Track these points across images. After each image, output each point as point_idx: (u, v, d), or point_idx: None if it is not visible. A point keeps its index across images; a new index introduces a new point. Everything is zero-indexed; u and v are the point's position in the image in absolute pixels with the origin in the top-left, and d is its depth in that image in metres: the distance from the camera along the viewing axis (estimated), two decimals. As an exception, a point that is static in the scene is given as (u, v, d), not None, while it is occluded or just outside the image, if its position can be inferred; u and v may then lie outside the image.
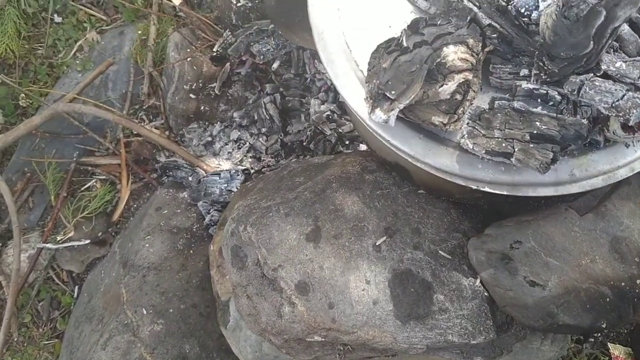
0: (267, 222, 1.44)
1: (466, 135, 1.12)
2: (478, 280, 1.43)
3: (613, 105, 1.06)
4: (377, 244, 1.44)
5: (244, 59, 2.23)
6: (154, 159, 2.31)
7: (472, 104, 1.18)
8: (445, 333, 1.38)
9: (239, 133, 2.24)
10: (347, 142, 2.13)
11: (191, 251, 1.99)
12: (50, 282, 2.37)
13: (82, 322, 2.03)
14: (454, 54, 1.11)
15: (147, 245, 1.99)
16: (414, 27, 1.17)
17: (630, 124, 1.08)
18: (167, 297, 1.86)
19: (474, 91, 1.17)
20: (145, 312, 1.81)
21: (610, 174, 1.21)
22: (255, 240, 1.42)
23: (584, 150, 1.19)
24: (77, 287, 2.34)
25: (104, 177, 2.36)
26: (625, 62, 1.13)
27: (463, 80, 1.13)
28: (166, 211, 2.09)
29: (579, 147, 1.17)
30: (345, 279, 1.40)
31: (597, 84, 1.08)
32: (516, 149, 1.10)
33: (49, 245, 2.23)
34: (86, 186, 2.36)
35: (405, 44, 1.15)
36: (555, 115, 1.12)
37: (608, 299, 1.34)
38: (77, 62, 2.44)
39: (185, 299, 1.87)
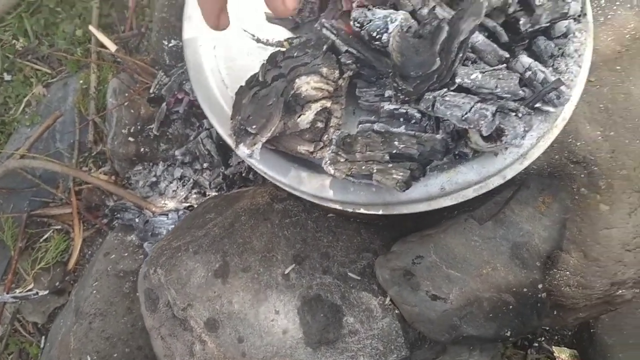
0: (175, 263, 1.46)
1: (328, 162, 1.14)
2: (388, 299, 1.43)
3: (463, 118, 1.07)
4: (285, 272, 1.45)
5: (179, 97, 2.27)
6: (104, 204, 2.35)
7: (339, 129, 1.20)
8: (356, 355, 1.38)
9: (182, 170, 2.27)
10: (286, 169, 2.15)
11: (137, 294, 2.01)
12: (18, 335, 2.41)
13: (43, 372, 2.07)
14: (306, 84, 1.13)
15: (94, 291, 2.02)
16: (272, 61, 1.20)
17: (484, 134, 1.08)
18: (112, 342, 1.88)
19: (336, 117, 1.19)
20: (89, 358, 1.84)
21: (482, 183, 1.21)
22: (164, 281, 1.44)
23: (454, 163, 1.19)
24: (43, 337, 2.38)
25: (59, 226, 2.41)
26: (483, 72, 1.14)
27: (321, 108, 1.15)
28: (114, 256, 2.13)
29: (442, 161, 1.17)
30: (255, 311, 1.41)
31: (447, 99, 1.10)
32: (375, 170, 1.11)
33: (9, 299, 2.27)
34: (44, 237, 2.40)
35: (262, 78, 1.17)
36: (413, 133, 1.13)
37: (511, 306, 1.34)
38: (26, 117, 2.51)
39: (130, 342, 1.89)
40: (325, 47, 1.19)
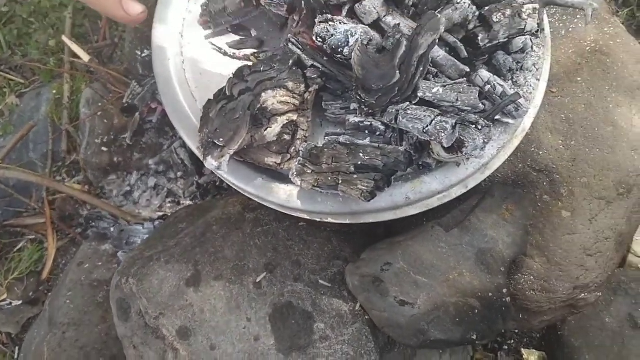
0: (147, 272, 1.47)
1: (295, 173, 1.17)
2: (358, 305, 1.46)
3: (424, 130, 1.11)
4: (257, 280, 1.48)
5: (153, 106, 2.28)
6: (78, 213, 2.35)
7: (306, 141, 1.23)
8: (327, 361, 1.41)
9: (156, 180, 2.28)
10: (260, 177, 2.17)
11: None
12: (-8, 346, 2.40)
13: (16, 384, 2.06)
14: (272, 98, 1.16)
15: (68, 301, 2.02)
16: (239, 75, 1.22)
17: (445, 146, 1.12)
18: (86, 352, 1.89)
19: (303, 130, 1.22)
20: (63, 368, 1.84)
21: (445, 193, 1.25)
22: (136, 291, 1.46)
23: (418, 174, 1.23)
24: (17, 347, 2.36)
25: (33, 236, 2.40)
26: (444, 86, 1.18)
27: (287, 121, 1.18)
28: (87, 265, 2.13)
29: (406, 171, 1.21)
30: (227, 319, 1.43)
31: (409, 112, 1.13)
32: (340, 181, 1.14)
33: (-19, 310, 2.26)
34: (18, 247, 2.39)
35: (229, 92, 1.20)
36: (377, 145, 1.17)
37: (477, 311, 1.37)
38: (-1, 127, 2.50)
39: (104, 352, 1.90)
40: (291, 62, 1.22)
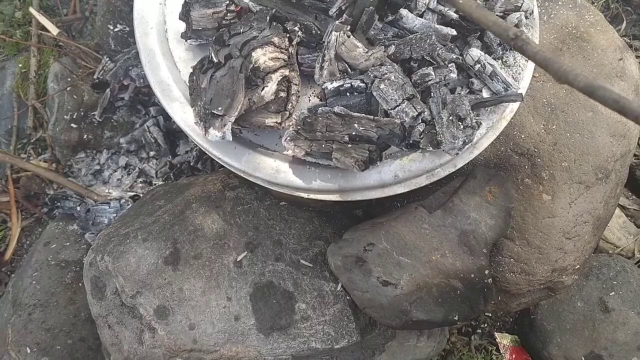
0: (124, 250, 1.43)
1: (288, 138, 1.14)
2: (339, 285, 1.45)
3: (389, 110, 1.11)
4: (238, 259, 1.45)
5: (125, 83, 2.21)
6: (44, 192, 2.27)
7: (299, 96, 1.20)
8: (308, 341, 1.39)
9: (127, 159, 2.22)
10: (235, 159, 2.13)
11: (80, 284, 1.95)
12: (-50, 329, 2.30)
13: (-23, 367, 1.98)
14: (263, 56, 1.13)
15: (34, 282, 1.95)
16: (219, 41, 1.18)
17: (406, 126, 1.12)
18: (53, 334, 1.82)
19: (295, 84, 1.19)
20: (29, 350, 1.77)
21: (434, 171, 1.24)
22: (112, 268, 1.41)
23: (407, 152, 1.22)
24: (-23, 331, 2.27)
25: (-5, 216, 2.31)
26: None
27: (281, 77, 1.16)
28: (55, 245, 2.06)
29: (398, 146, 1.19)
30: (206, 299, 1.40)
31: (382, 87, 1.12)
32: (334, 148, 1.13)
33: (-60, 292, 2.16)
34: (-22, 227, 2.30)
35: (216, 59, 1.16)
36: (372, 117, 1.15)
37: (459, 292, 1.38)
38: (-40, 102, 2.38)
39: (72, 334, 1.84)
40: (268, 17, 1.18)
